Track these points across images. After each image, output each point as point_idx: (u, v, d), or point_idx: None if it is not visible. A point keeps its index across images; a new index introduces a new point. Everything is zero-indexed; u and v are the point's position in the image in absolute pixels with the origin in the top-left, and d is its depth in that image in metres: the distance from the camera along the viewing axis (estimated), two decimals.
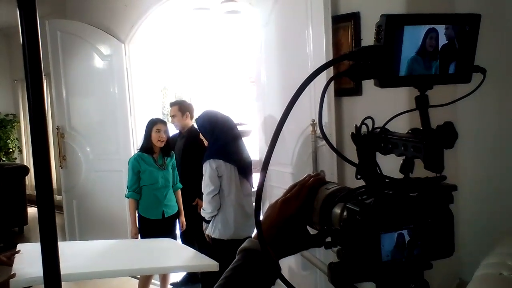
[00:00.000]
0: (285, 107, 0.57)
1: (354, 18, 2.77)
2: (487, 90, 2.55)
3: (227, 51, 9.00)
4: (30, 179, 7.91)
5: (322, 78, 2.70)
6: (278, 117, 3.34)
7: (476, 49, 0.59)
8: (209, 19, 6.21)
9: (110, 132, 4.57)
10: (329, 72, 2.19)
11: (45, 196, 0.65)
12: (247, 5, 3.62)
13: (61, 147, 4.65)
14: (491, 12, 2.54)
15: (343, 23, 2.81)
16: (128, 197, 3.47)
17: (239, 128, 3.34)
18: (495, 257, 2.13)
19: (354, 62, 0.57)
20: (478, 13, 0.58)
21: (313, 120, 2.73)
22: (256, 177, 3.75)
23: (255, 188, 4.14)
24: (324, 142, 2.73)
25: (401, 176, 0.61)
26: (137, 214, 3.49)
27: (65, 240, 4.58)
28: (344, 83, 2.85)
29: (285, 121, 0.56)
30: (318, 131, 2.72)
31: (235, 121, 3.26)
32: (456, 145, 0.57)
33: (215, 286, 0.68)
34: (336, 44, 2.79)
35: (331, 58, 2.71)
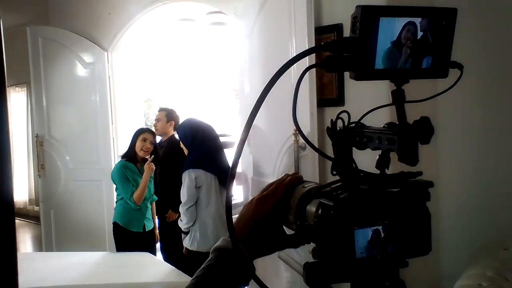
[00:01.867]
0: (256, 100, 0.55)
1: (337, 29, 2.79)
2: (470, 86, 2.57)
3: (212, 63, 9.01)
4: None
5: (305, 85, 2.70)
6: (261, 128, 3.34)
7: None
8: (195, 30, 6.22)
9: (91, 141, 4.50)
10: (307, 69, 2.18)
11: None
12: (233, 17, 3.64)
13: (40, 155, 4.55)
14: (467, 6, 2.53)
15: (326, 35, 2.83)
16: (132, 201, 3.23)
17: (223, 139, 3.31)
18: (475, 268, 2.13)
19: (329, 53, 0.56)
20: (455, 7, 0.57)
21: (296, 130, 2.72)
22: (237, 188, 3.72)
23: (235, 199, 4.11)
24: (306, 152, 2.73)
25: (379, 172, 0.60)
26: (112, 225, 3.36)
27: (41, 251, 4.46)
28: (326, 93, 2.87)
29: (255, 117, 0.54)
30: (301, 140, 2.71)
31: (219, 132, 3.23)
32: (437, 142, 0.56)
33: (187, 285, 0.65)
34: (319, 55, 2.81)
35: (313, 69, 2.72)
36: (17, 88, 7.43)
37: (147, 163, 3.27)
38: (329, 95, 2.85)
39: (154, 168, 3.32)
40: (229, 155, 3.48)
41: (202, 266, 0.67)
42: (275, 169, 3.02)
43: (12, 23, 5.98)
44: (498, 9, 2.57)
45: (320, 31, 2.82)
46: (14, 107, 7.55)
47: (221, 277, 0.65)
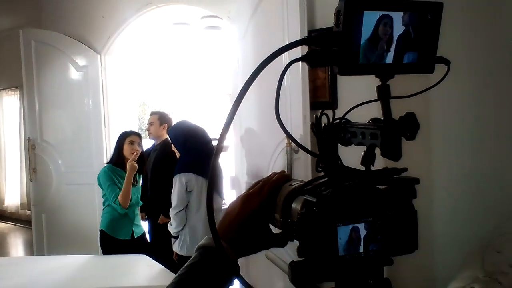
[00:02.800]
0: (235, 98, 0.54)
1: None
2: (463, 83, 2.55)
3: (207, 67, 9.01)
4: None
5: (298, 88, 2.69)
6: (255, 131, 3.33)
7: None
8: (189, 34, 6.22)
9: (83, 145, 4.47)
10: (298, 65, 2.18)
11: None
12: (227, 20, 3.64)
13: (32, 159, 4.52)
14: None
15: None
16: (117, 203, 3.09)
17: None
18: (468, 270, 2.13)
19: (313, 47, 0.55)
20: (440, 1, 0.56)
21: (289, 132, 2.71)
22: (229, 192, 3.69)
23: (227, 204, 4.08)
24: (299, 154, 2.72)
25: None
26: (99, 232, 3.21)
27: (32, 255, 4.41)
28: (320, 96, 2.87)
29: (235, 113, 0.53)
30: (294, 144, 2.70)
31: (213, 135, 3.19)
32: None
33: (169, 283, 0.64)
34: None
35: (306, 72, 2.72)
36: (9, 92, 7.38)
37: (129, 161, 3.08)
38: (322, 98, 2.85)
39: (137, 166, 3.14)
40: (223, 159, 3.46)
41: (185, 265, 0.66)
42: (269, 172, 2.99)
43: (5, 26, 5.96)
44: (492, 3, 2.58)
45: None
46: (7, 110, 7.50)
47: (204, 276, 0.64)
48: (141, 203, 3.41)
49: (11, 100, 7.43)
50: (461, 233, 2.71)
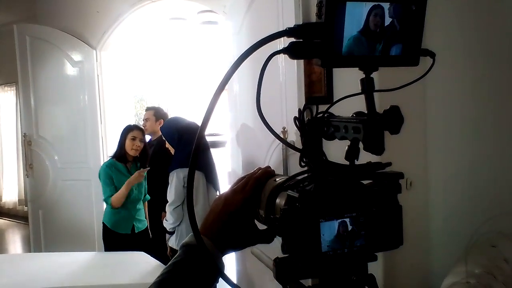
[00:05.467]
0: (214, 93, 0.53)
1: None
2: (460, 79, 2.51)
3: (204, 62, 8.97)
4: None
5: (293, 83, 2.67)
6: (251, 127, 3.32)
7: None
8: (186, 29, 6.18)
9: (79, 140, 4.46)
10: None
11: None
12: (222, 15, 3.61)
13: (28, 155, 4.50)
14: None
15: None
16: (108, 203, 3.16)
17: (214, 138, 3.27)
18: (463, 265, 2.13)
19: (295, 39, 0.54)
20: None
21: (284, 128, 2.70)
22: (223, 184, 3.68)
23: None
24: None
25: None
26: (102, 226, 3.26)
27: (30, 252, 4.41)
28: (315, 91, 2.85)
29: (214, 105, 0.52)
30: (289, 138, 2.69)
31: (210, 130, 3.18)
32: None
33: (153, 281, 0.63)
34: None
35: (302, 67, 2.70)
36: (6, 88, 7.36)
37: (139, 171, 3.16)
38: (317, 93, 2.83)
39: (144, 176, 3.23)
40: (220, 154, 3.45)
41: (169, 263, 0.65)
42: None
43: (0, 22, 5.92)
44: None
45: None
46: (3, 106, 7.48)
47: (187, 275, 0.63)
48: (148, 197, 3.46)
49: (7, 96, 7.40)
50: (457, 229, 2.70)
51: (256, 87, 0.55)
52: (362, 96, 0.57)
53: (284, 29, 0.54)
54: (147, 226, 3.48)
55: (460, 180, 2.66)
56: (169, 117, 4.16)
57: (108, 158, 3.40)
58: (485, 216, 2.56)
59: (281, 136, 2.72)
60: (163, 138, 3.29)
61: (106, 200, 3.17)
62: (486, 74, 2.54)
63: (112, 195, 3.15)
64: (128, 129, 3.28)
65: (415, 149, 2.64)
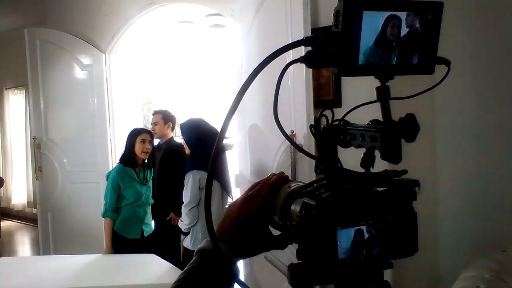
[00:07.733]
0: (233, 101, 0.54)
1: None
2: (467, 84, 2.51)
3: (212, 65, 9.01)
4: (6, 191, 7.70)
5: (302, 87, 2.68)
6: (259, 130, 3.32)
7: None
8: (194, 32, 6.22)
9: (88, 143, 4.48)
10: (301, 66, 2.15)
11: None
12: (230, 19, 3.63)
13: (37, 157, 4.54)
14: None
15: None
16: (104, 217, 3.15)
17: (224, 141, 3.29)
18: (473, 270, 2.12)
19: (312, 48, 0.54)
20: (440, 1, 0.56)
21: (292, 131, 2.71)
22: (235, 191, 3.70)
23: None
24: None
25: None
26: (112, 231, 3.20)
27: (39, 255, 4.44)
28: (323, 95, 2.85)
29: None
30: (298, 141, 2.69)
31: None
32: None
33: (170, 287, 0.64)
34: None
35: (310, 70, 2.71)
36: (15, 91, 7.43)
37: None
38: (326, 97, 2.84)
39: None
40: (228, 157, 3.45)
41: (185, 269, 0.66)
42: (272, 171, 2.99)
43: (11, 26, 5.99)
44: (495, 3, 2.55)
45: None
46: (13, 109, 7.55)
47: (203, 280, 0.64)
48: (152, 200, 3.43)
49: (17, 99, 7.47)
50: (466, 233, 2.69)
51: (274, 93, 0.56)
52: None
53: (302, 38, 0.54)
54: (154, 230, 3.49)
55: (468, 185, 2.65)
56: (176, 120, 4.19)
57: (117, 161, 3.40)
58: (494, 220, 2.55)
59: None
60: (175, 142, 3.33)
61: (105, 213, 3.15)
62: (493, 79, 2.54)
63: (112, 207, 3.13)
64: (137, 132, 3.23)
65: (424, 154, 2.64)
